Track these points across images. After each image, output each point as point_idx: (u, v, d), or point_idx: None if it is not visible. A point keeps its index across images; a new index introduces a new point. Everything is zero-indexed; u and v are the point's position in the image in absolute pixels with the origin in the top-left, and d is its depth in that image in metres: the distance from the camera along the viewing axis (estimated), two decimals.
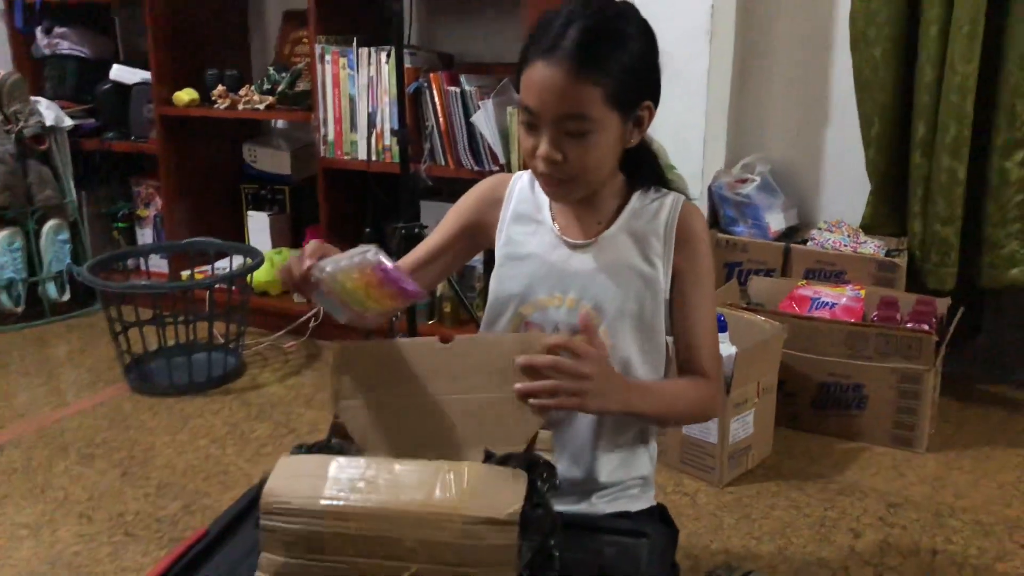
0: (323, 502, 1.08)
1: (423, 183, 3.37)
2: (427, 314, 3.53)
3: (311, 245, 1.29)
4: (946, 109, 2.81)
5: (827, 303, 2.87)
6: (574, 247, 1.48)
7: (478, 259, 3.36)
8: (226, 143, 4.12)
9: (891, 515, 2.40)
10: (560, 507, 1.17)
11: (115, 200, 4.33)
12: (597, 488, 1.49)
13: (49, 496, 2.56)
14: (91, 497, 2.56)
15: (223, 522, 1.35)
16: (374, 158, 3.45)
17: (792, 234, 3.26)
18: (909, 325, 2.73)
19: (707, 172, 3.22)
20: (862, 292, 2.89)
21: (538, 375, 1.24)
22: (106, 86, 4.11)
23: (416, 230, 3.03)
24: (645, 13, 1.39)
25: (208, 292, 3.33)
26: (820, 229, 3.19)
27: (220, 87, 3.79)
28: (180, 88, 3.84)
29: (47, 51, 4.20)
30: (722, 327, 2.57)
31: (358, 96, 3.45)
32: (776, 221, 3.20)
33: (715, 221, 3.28)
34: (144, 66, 3.95)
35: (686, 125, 3.12)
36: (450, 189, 3.41)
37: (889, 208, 3.10)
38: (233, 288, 3.33)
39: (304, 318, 3.67)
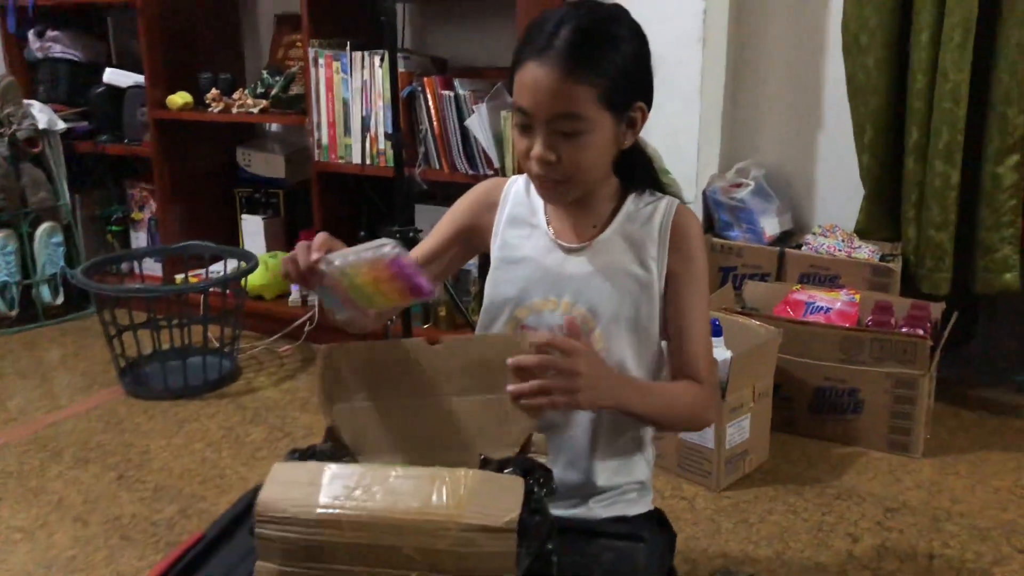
0: (319, 511, 1.08)
1: (417, 187, 3.37)
2: (422, 318, 3.53)
3: (319, 237, 1.27)
4: (939, 115, 2.82)
5: (822, 308, 2.87)
6: (569, 251, 1.48)
7: (473, 263, 3.36)
8: (220, 146, 4.12)
9: (888, 519, 2.40)
10: (557, 511, 1.17)
11: (109, 203, 4.32)
12: (595, 492, 1.49)
13: (44, 500, 2.55)
14: (86, 501, 2.55)
15: (219, 526, 1.35)
16: (368, 162, 3.44)
17: (786, 239, 3.27)
18: (904, 330, 2.73)
19: (701, 176, 3.22)
20: (857, 297, 2.89)
21: (529, 375, 1.24)
22: (99, 89, 4.10)
23: (411, 234, 3.03)
24: (637, 17, 1.39)
25: (203, 296, 3.33)
26: (814, 234, 3.20)
27: (214, 90, 3.79)
28: (174, 91, 3.83)
29: (40, 54, 4.19)
30: (717, 331, 2.57)
31: (352, 100, 3.44)
32: (771, 226, 3.20)
33: (710, 226, 3.29)
34: (137, 69, 3.95)
35: (680, 130, 3.12)
36: (444, 193, 3.41)
37: (883, 213, 3.10)
38: (228, 292, 3.33)
39: (299, 322, 3.66)
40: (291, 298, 3.81)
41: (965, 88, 2.76)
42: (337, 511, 1.07)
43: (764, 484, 2.59)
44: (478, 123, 3.14)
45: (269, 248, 3.96)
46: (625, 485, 1.51)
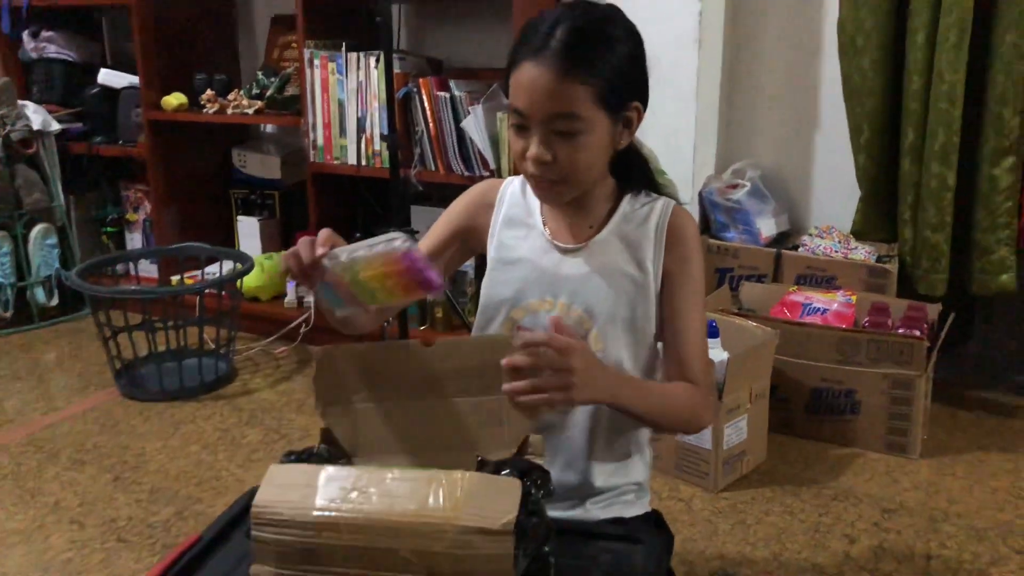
0: (315, 513, 1.07)
1: (413, 188, 3.36)
2: (419, 319, 3.52)
3: (323, 233, 1.26)
4: (935, 116, 2.82)
5: (819, 309, 2.87)
6: (565, 251, 1.48)
7: (470, 264, 3.35)
8: (215, 148, 4.12)
9: (885, 520, 2.40)
10: (555, 513, 1.17)
11: (104, 204, 4.31)
12: (592, 494, 1.49)
13: (40, 502, 2.55)
14: (83, 503, 2.54)
15: (216, 528, 1.34)
16: (364, 163, 3.44)
17: (783, 240, 3.27)
18: (900, 331, 2.73)
19: (697, 178, 3.22)
20: (853, 298, 2.89)
21: (523, 375, 1.23)
22: (94, 90, 4.10)
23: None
24: (633, 18, 1.39)
25: (198, 297, 3.32)
26: (811, 235, 3.20)
27: (209, 91, 3.78)
28: (168, 92, 3.82)
29: (34, 55, 4.19)
30: (714, 333, 2.57)
31: (347, 101, 3.44)
32: (767, 227, 3.20)
33: (706, 227, 3.28)
34: (132, 70, 3.94)
35: (676, 131, 3.12)
36: (440, 194, 3.40)
37: (879, 214, 3.10)
38: (223, 293, 3.32)
39: (295, 323, 3.66)
40: (287, 299, 3.80)
41: (961, 89, 2.76)
42: (333, 513, 1.07)
43: (761, 485, 2.59)
44: (474, 124, 3.14)
45: (265, 249, 3.96)
46: (623, 486, 1.51)
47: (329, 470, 1.12)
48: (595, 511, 1.48)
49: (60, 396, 3.29)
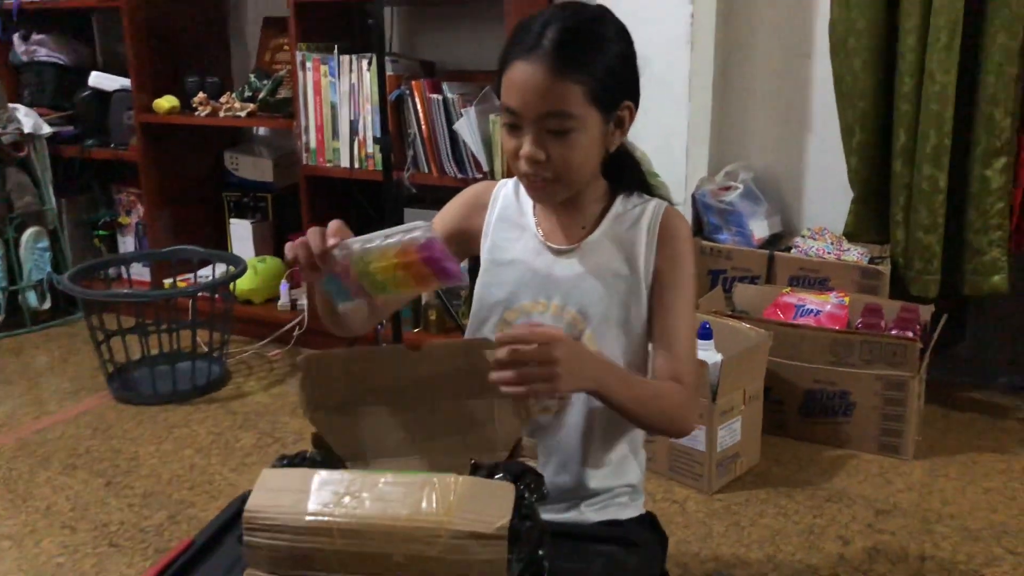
0: (308, 518, 1.07)
1: (406, 191, 3.36)
2: (412, 322, 3.52)
3: (334, 224, 1.25)
4: (926, 118, 2.82)
5: (812, 310, 2.87)
6: (558, 253, 1.48)
7: (463, 266, 3.34)
8: (208, 150, 4.11)
9: (879, 522, 2.40)
10: (549, 515, 1.16)
11: (96, 208, 4.30)
12: (586, 496, 1.49)
13: (32, 506, 2.54)
14: (74, 507, 2.53)
15: (209, 532, 1.34)
16: (356, 166, 3.44)
17: (776, 241, 3.27)
18: (893, 332, 2.74)
19: (690, 179, 3.22)
20: (846, 299, 2.89)
21: (509, 368, 1.22)
22: (85, 93, 4.08)
23: None
24: (625, 20, 1.40)
25: (191, 300, 3.32)
26: (804, 236, 3.20)
27: (201, 94, 3.77)
28: (160, 95, 3.81)
29: (25, 58, 4.17)
30: (708, 335, 2.57)
31: (340, 103, 3.43)
32: (760, 228, 3.20)
33: (699, 229, 3.28)
34: (124, 73, 3.93)
35: (669, 133, 3.12)
36: (434, 196, 3.39)
37: (872, 216, 3.10)
38: (216, 296, 3.32)
39: (288, 326, 3.65)
40: (280, 303, 3.80)
41: (952, 90, 2.76)
42: (326, 518, 1.06)
43: (755, 487, 2.59)
44: (467, 126, 3.14)
45: (257, 252, 3.95)
46: (617, 489, 1.50)
47: (322, 474, 1.11)
48: (589, 514, 1.48)
49: (52, 400, 3.28)
